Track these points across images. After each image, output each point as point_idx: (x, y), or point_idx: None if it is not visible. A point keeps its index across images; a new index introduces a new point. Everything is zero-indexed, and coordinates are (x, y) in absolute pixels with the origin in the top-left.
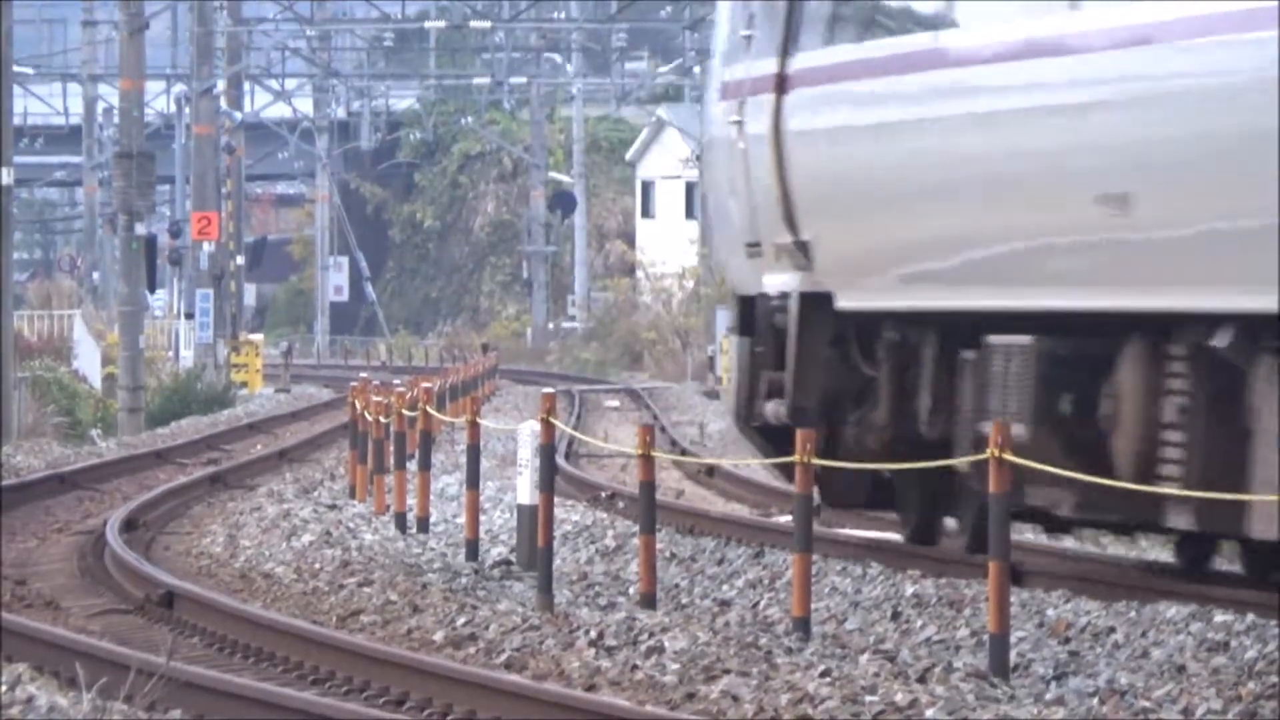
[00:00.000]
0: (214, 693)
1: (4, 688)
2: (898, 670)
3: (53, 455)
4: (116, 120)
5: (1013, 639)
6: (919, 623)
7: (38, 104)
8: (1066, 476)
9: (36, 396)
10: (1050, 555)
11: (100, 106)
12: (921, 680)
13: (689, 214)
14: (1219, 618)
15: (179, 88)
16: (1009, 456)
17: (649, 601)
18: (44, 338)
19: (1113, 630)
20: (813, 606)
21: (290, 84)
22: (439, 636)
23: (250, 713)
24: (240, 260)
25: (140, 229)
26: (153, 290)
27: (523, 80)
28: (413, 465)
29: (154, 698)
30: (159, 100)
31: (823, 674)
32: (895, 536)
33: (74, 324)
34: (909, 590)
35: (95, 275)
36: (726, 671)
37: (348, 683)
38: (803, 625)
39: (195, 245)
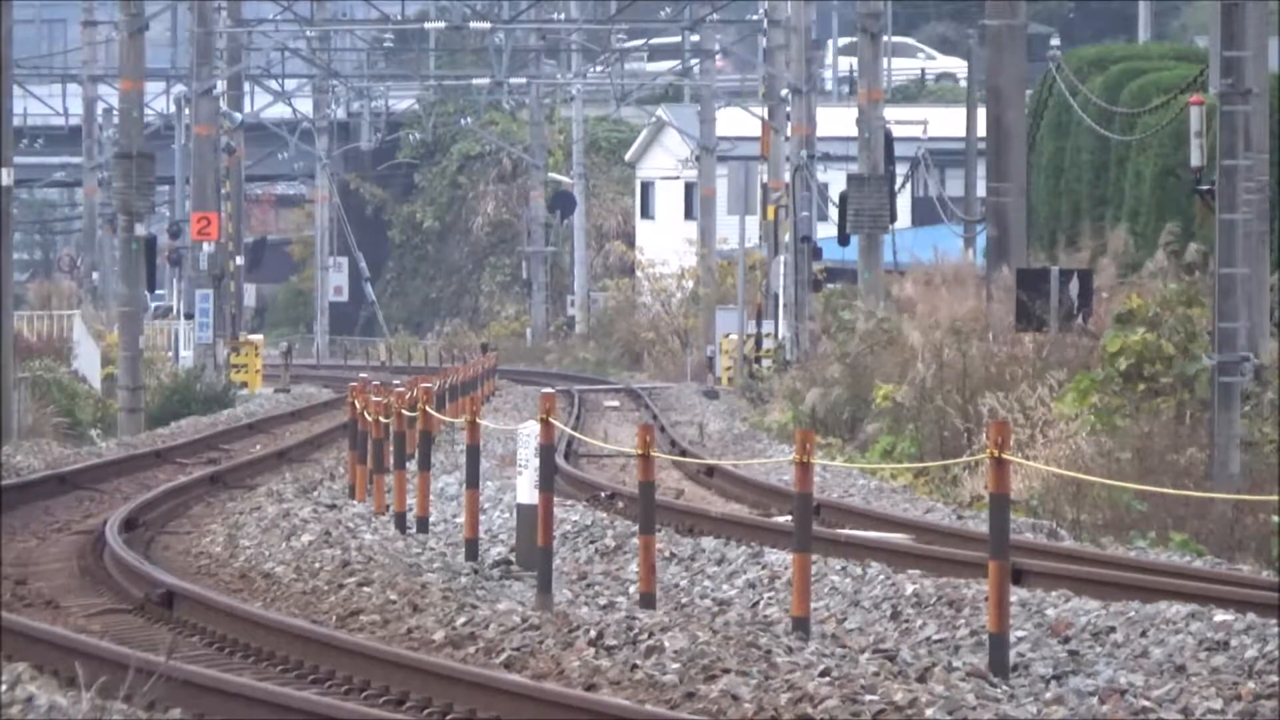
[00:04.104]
0: (214, 692)
1: (4, 687)
2: (897, 669)
3: (52, 455)
4: (116, 121)
5: (1012, 638)
6: (919, 622)
7: (37, 104)
8: None
9: (36, 397)
10: (1050, 555)
11: (100, 107)
12: (921, 680)
13: (688, 215)
14: (1219, 617)
15: (179, 88)
16: (1008, 456)
17: (649, 601)
18: (44, 338)
19: (1112, 630)
20: (812, 606)
21: (290, 84)
22: (439, 636)
23: (250, 712)
24: (240, 260)
25: (140, 229)
26: (152, 290)
27: (522, 80)
28: (412, 465)
29: (153, 697)
30: (159, 100)
31: (822, 673)
32: (896, 536)
33: (74, 324)
34: (909, 590)
35: (95, 275)
36: (726, 671)
37: (347, 682)
38: (802, 625)
39: (195, 246)
